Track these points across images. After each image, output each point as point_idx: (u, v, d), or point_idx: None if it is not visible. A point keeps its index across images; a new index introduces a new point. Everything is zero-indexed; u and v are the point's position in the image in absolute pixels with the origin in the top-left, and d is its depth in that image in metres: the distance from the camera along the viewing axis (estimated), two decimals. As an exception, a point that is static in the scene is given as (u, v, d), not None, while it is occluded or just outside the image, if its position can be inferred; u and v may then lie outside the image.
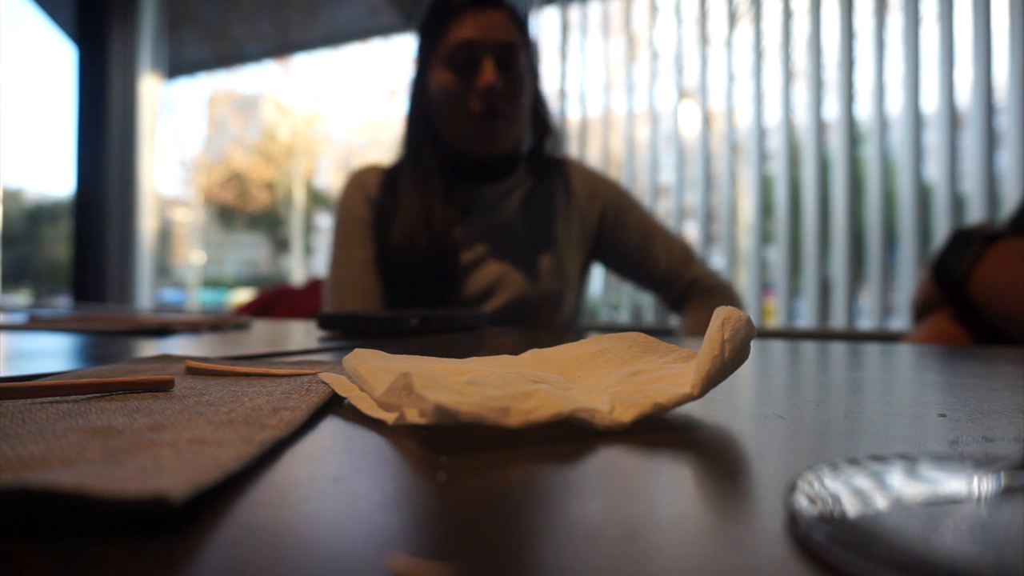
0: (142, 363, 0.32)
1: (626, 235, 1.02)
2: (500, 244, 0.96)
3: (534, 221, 0.98)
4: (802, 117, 1.70)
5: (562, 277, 0.97)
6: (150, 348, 0.45)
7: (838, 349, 0.49)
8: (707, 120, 1.80)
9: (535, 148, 1.03)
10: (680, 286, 1.01)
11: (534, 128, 1.02)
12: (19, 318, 0.76)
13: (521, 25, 0.97)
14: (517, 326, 0.93)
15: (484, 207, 0.98)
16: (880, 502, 0.12)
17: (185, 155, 2.99)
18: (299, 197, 2.76)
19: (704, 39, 1.81)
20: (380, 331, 0.57)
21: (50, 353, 0.42)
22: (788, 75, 1.71)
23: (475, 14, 0.93)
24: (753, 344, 0.38)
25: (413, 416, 0.19)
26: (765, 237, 1.74)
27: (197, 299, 2.87)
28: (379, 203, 0.98)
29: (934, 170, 1.58)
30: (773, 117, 1.73)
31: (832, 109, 1.66)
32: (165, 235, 2.80)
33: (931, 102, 1.57)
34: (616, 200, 1.03)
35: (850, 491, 0.13)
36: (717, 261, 1.80)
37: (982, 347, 0.55)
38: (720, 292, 0.99)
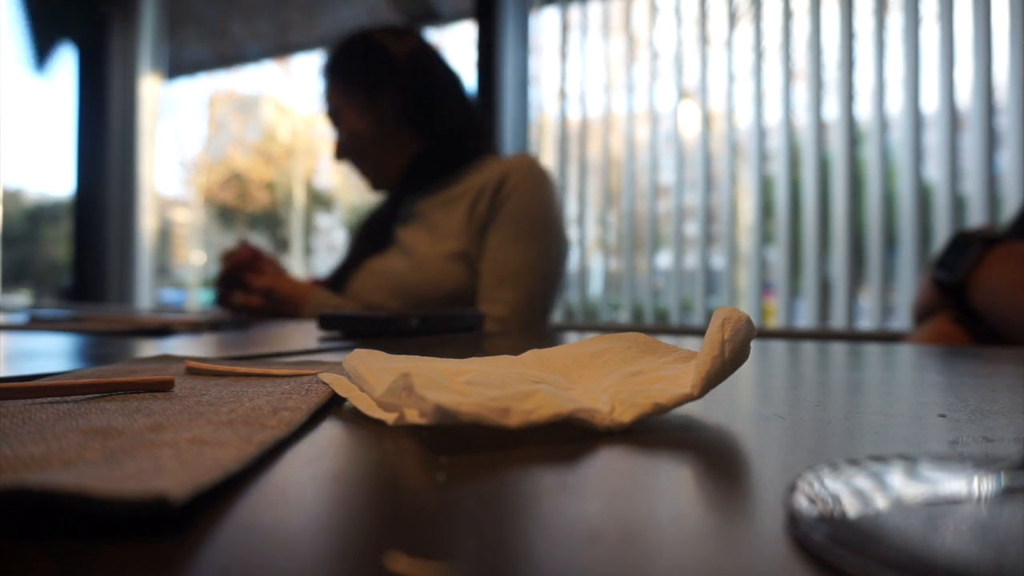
0: (142, 363, 0.32)
1: (487, 247, 0.98)
2: (408, 248, 1.01)
3: (440, 223, 1.01)
4: (802, 117, 1.70)
5: (465, 275, 0.97)
6: (150, 348, 0.45)
7: (838, 349, 0.49)
8: (707, 120, 1.80)
9: (428, 152, 1.05)
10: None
11: (424, 133, 1.05)
12: (19, 318, 0.76)
13: (340, 72, 1.05)
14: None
15: (410, 216, 1.05)
16: (880, 502, 0.12)
17: (185, 155, 2.99)
18: (299, 197, 2.76)
19: (704, 39, 1.81)
20: (380, 331, 0.57)
21: (50, 353, 0.42)
22: (788, 75, 1.71)
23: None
24: (753, 344, 0.38)
25: (413, 416, 0.19)
26: (765, 237, 1.74)
27: (197, 299, 2.87)
28: None
29: (934, 170, 1.58)
30: (773, 117, 1.73)
31: (832, 109, 1.66)
32: (165, 235, 2.79)
33: (931, 102, 1.57)
34: (510, 215, 0.97)
35: (850, 491, 0.13)
36: (717, 261, 1.80)
37: (982, 347, 0.55)
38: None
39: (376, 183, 1.10)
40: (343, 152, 1.08)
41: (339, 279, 1.07)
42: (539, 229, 0.98)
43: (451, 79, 1.07)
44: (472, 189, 1.00)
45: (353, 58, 1.05)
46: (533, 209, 0.99)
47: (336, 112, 1.06)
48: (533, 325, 0.98)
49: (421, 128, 1.04)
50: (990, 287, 0.72)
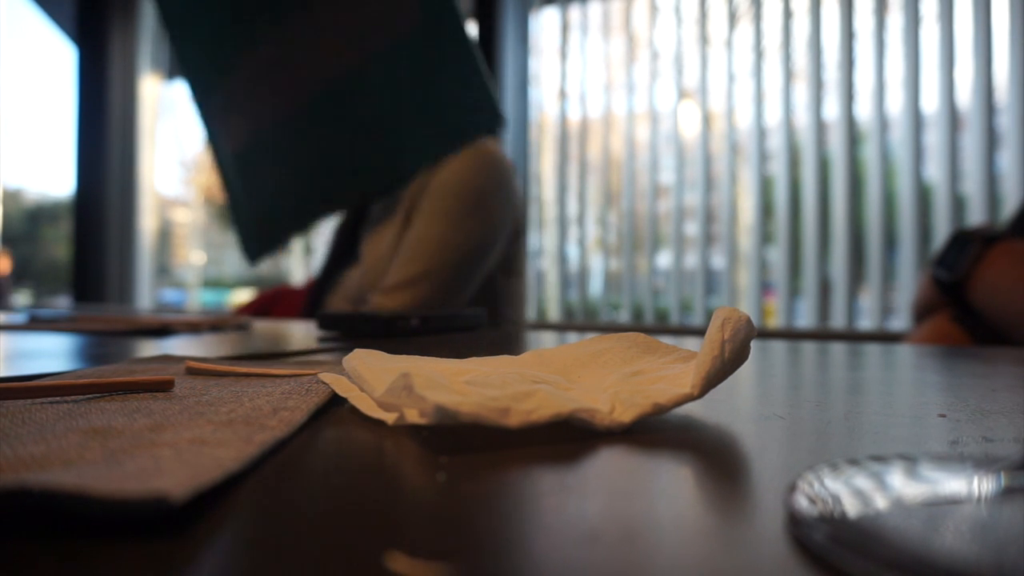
0: (142, 363, 0.32)
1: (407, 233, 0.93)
2: (362, 257, 0.98)
3: (390, 225, 0.97)
4: (802, 117, 1.70)
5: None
6: (150, 348, 0.45)
7: (838, 349, 0.49)
8: (707, 120, 1.80)
9: None
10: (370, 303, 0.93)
11: None
12: (19, 318, 0.76)
13: None
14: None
15: (371, 225, 1.01)
16: (880, 502, 0.12)
17: (185, 155, 2.99)
18: (299, 197, 2.76)
19: (704, 39, 1.81)
20: (380, 331, 0.57)
21: (50, 353, 0.42)
22: (788, 75, 1.71)
23: None
24: (753, 344, 0.38)
25: (413, 416, 0.19)
26: (765, 237, 1.74)
27: (197, 299, 2.87)
28: None
29: (934, 170, 1.58)
30: (773, 117, 1.73)
31: (832, 109, 1.66)
32: (165, 235, 2.79)
33: (931, 102, 1.57)
34: (430, 193, 0.92)
35: (850, 491, 0.13)
36: (717, 261, 1.80)
37: (982, 347, 0.55)
38: None
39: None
40: None
41: (316, 300, 1.05)
42: (457, 205, 0.90)
43: None
44: (416, 183, 0.94)
45: None
46: (456, 185, 0.91)
47: None
48: (427, 306, 0.87)
49: None
50: (989, 285, 0.71)
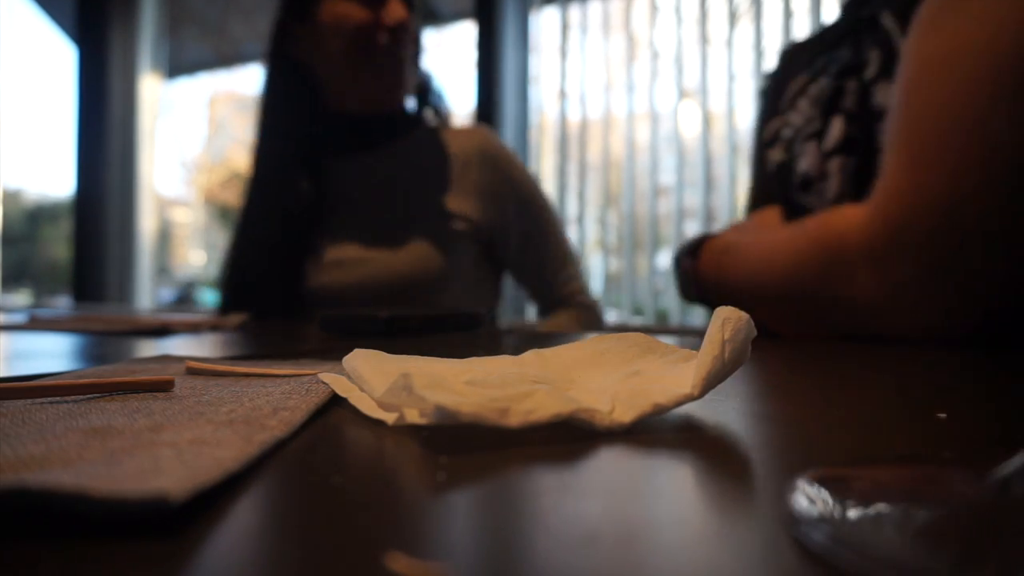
0: (142, 363, 0.32)
1: (528, 233, 0.96)
2: (364, 223, 0.91)
3: (410, 197, 0.93)
4: (802, 117, 1.69)
5: (438, 261, 0.89)
6: (150, 348, 0.45)
7: (838, 349, 0.49)
8: (707, 120, 1.80)
9: (418, 112, 0.99)
10: (558, 293, 0.97)
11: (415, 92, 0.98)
12: (19, 318, 0.76)
13: None
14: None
15: (350, 182, 0.93)
16: (880, 503, 0.12)
17: (185, 155, 2.99)
18: (299, 197, 2.77)
19: (704, 39, 1.81)
20: (380, 331, 0.57)
21: (50, 353, 0.42)
22: (788, 75, 1.71)
23: None
24: (753, 344, 0.38)
25: (413, 416, 0.19)
26: (765, 237, 1.74)
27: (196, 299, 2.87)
28: None
29: (934, 170, 1.57)
30: (773, 117, 1.72)
31: (832, 109, 1.66)
32: (165, 235, 2.79)
33: (931, 102, 1.57)
34: (527, 195, 0.97)
35: (850, 491, 0.13)
36: (717, 261, 1.79)
37: (980, 347, 0.55)
38: (590, 311, 0.99)
39: (399, 88, 0.94)
40: (409, 33, 0.92)
41: (297, 278, 1.02)
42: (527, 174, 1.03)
43: None
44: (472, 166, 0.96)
45: None
46: (528, 178, 1.02)
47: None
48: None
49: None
50: (717, 288, 0.65)
